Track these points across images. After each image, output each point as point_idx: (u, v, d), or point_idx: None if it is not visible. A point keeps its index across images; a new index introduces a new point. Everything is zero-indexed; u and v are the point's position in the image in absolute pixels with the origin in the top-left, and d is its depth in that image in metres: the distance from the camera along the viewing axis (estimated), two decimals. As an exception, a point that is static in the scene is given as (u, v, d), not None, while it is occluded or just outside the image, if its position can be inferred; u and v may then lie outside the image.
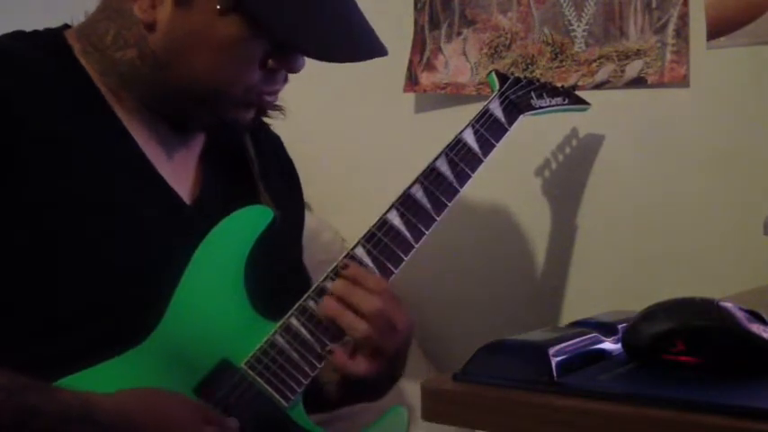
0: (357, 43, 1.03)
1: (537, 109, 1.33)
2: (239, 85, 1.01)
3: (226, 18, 0.97)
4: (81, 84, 1.00)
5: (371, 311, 0.99)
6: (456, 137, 1.17)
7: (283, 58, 1.01)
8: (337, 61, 1.02)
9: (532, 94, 1.33)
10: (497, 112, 1.24)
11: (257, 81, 1.01)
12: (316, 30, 0.99)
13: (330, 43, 1.01)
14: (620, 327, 0.82)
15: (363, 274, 1.02)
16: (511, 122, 1.24)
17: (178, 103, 1.02)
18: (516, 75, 1.36)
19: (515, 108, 1.27)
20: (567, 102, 1.42)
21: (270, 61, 1.00)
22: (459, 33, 1.68)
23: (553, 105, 1.37)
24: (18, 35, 1.03)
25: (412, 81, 1.73)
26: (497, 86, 1.29)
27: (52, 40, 1.03)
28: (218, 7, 0.96)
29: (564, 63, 1.57)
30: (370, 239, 1.05)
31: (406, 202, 1.09)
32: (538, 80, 1.40)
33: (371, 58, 1.03)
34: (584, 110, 1.48)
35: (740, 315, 0.75)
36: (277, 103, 1.07)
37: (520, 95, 1.29)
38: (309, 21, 0.99)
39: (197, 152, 1.09)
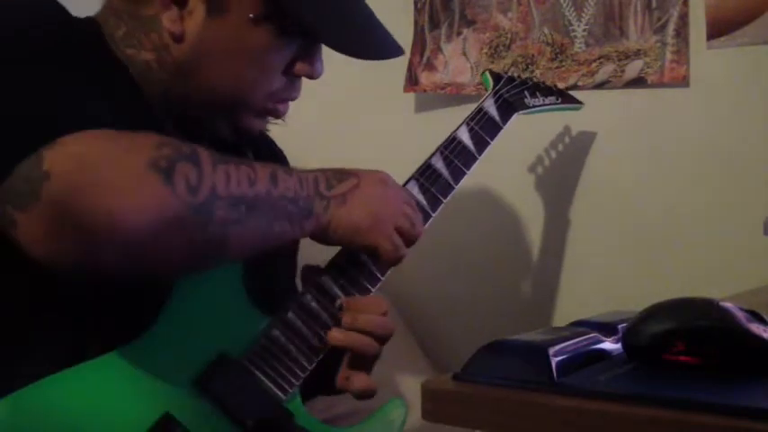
0: (382, 43, 1.05)
1: (531, 108, 1.34)
2: (261, 93, 1.02)
3: (258, 27, 0.98)
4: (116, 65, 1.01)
5: (383, 333, 1.01)
6: (451, 135, 1.17)
7: (307, 64, 1.03)
8: (366, 58, 1.03)
9: (526, 93, 1.34)
10: (492, 110, 1.25)
11: (278, 88, 1.04)
12: (345, 29, 1.02)
13: (359, 41, 1.03)
14: (620, 327, 0.82)
15: (362, 302, 1.03)
16: (505, 121, 1.25)
17: (195, 111, 1.02)
18: (510, 74, 1.36)
19: (510, 106, 1.28)
20: (559, 101, 1.43)
21: (295, 68, 1.03)
22: (459, 33, 1.68)
23: (546, 104, 1.38)
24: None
25: (412, 81, 1.73)
26: (491, 85, 1.30)
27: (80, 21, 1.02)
28: (251, 16, 0.97)
29: (564, 63, 1.57)
30: None
31: None
32: (531, 79, 1.40)
33: (398, 55, 1.06)
34: (577, 109, 1.49)
35: (740, 315, 0.75)
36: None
37: (513, 94, 1.30)
38: (339, 20, 1.01)
39: None
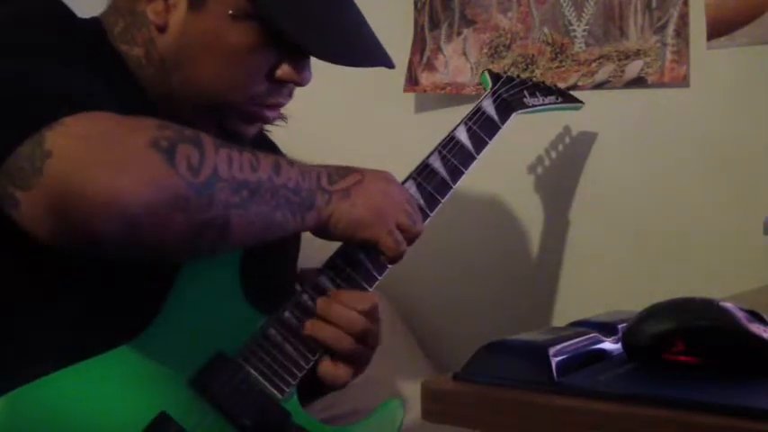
0: (368, 50, 1.04)
1: (530, 107, 1.34)
2: (243, 95, 1.01)
3: (238, 25, 0.97)
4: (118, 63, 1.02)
5: (350, 329, 1.00)
6: (449, 134, 1.17)
7: (292, 69, 1.01)
8: (349, 65, 1.02)
9: (525, 92, 1.34)
10: (490, 110, 1.24)
11: (262, 92, 1.02)
12: (329, 35, 1.00)
13: (342, 48, 1.01)
14: (620, 327, 0.82)
15: (345, 295, 1.02)
16: (503, 120, 1.25)
17: (180, 109, 1.02)
18: (509, 73, 1.36)
19: (508, 106, 1.28)
20: (559, 100, 1.43)
21: (278, 72, 1.01)
22: (459, 33, 1.68)
23: (546, 104, 1.38)
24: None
25: (412, 81, 1.73)
26: (490, 85, 1.30)
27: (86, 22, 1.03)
28: (231, 12, 0.97)
29: (564, 63, 1.57)
30: None
31: None
32: (531, 79, 1.40)
33: (381, 66, 1.04)
34: (578, 108, 1.48)
35: (740, 315, 0.75)
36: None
37: (512, 94, 1.30)
38: (322, 26, 1.00)
39: None
